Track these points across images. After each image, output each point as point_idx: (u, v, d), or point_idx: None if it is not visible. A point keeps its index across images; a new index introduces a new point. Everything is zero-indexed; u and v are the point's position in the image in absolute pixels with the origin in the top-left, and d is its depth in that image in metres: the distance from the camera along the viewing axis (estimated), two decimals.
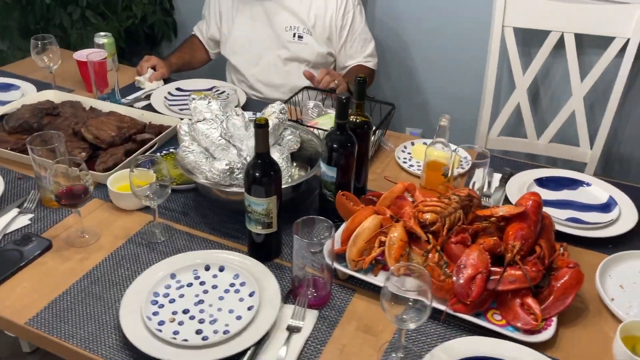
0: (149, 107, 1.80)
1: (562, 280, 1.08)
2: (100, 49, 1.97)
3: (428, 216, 1.16)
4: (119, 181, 1.35)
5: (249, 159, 1.27)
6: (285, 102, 1.63)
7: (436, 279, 1.08)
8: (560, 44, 2.01)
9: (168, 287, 1.10)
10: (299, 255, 1.07)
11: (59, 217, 1.31)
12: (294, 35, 1.96)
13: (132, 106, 1.77)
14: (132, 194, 1.31)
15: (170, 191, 1.22)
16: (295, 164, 1.40)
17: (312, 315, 1.07)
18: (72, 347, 0.99)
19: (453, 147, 1.37)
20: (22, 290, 1.10)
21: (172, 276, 1.12)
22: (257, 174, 1.11)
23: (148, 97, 1.87)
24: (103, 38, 1.99)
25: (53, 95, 1.76)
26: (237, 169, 1.24)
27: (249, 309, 1.06)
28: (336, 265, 1.13)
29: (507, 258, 1.09)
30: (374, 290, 1.12)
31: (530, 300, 1.06)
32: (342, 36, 1.97)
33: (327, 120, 1.61)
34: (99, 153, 1.49)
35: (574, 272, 1.09)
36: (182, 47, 2.16)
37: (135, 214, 1.33)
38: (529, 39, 2.09)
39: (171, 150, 1.56)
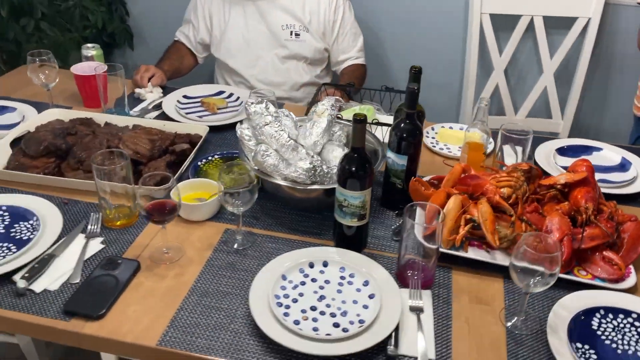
0: (161, 117, 1.75)
1: (630, 232, 1.23)
2: (88, 61, 1.88)
3: (505, 190, 1.26)
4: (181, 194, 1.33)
5: (315, 156, 1.31)
6: (311, 103, 1.66)
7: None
8: (530, 27, 2.21)
9: (284, 288, 1.12)
10: (409, 239, 1.13)
11: (131, 237, 1.26)
12: (291, 33, 1.98)
13: (142, 117, 1.73)
14: (204, 204, 1.30)
15: (256, 196, 1.22)
16: None
17: (427, 295, 1.13)
18: (214, 359, 0.99)
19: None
20: (135, 314, 1.06)
21: (284, 277, 1.13)
22: (353, 168, 1.15)
23: (156, 107, 1.82)
24: (91, 50, 1.90)
25: (58, 114, 1.66)
26: (319, 166, 1.26)
27: (371, 297, 1.10)
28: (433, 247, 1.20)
29: (583, 219, 1.22)
30: (469, 265, 1.21)
31: (609, 253, 1.20)
32: (334, 30, 2.02)
33: (350, 114, 1.67)
34: (140, 168, 1.44)
35: (638, 224, 1.24)
36: (169, 54, 2.10)
37: (206, 225, 1.31)
38: (503, 24, 2.27)
39: (213, 157, 1.54)
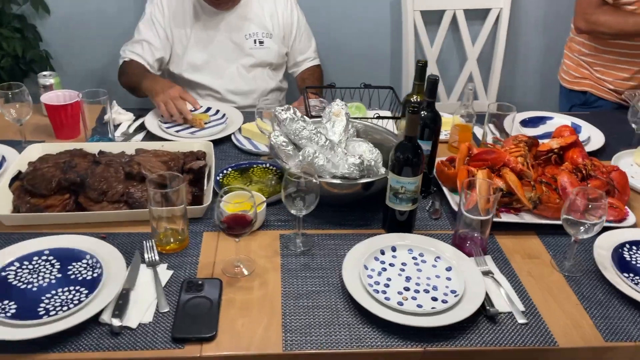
0: (147, 138, 1.70)
1: (617, 180, 1.47)
2: (47, 90, 1.76)
3: (520, 159, 1.44)
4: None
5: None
6: (306, 107, 1.72)
7: (553, 203, 1.37)
8: (454, 20, 2.45)
9: (370, 277, 1.18)
10: (464, 214, 1.25)
11: (192, 259, 1.24)
12: (255, 42, 2.01)
13: (129, 141, 1.67)
14: (260, 213, 1.32)
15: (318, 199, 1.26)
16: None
17: (489, 260, 1.27)
18: (342, 351, 1.03)
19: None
20: (244, 327, 1.06)
21: (365, 267, 1.20)
22: (409, 156, 1.25)
23: (137, 129, 1.75)
24: (50, 78, 1.77)
25: (43, 149, 1.53)
26: (367, 160, 1.34)
27: (448, 269, 1.21)
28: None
29: (584, 173, 1.44)
30: (503, 229, 1.36)
31: (610, 199, 1.43)
32: (292, 33, 2.08)
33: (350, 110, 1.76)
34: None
35: (620, 172, 1.49)
36: (127, 74, 2.00)
37: (258, 234, 1.32)
38: (430, 19, 2.48)
39: (228, 170, 1.54)
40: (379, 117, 1.62)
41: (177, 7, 1.96)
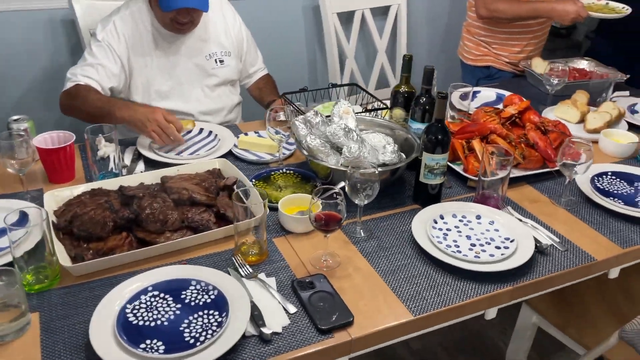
0: (149, 166, 1.69)
1: (564, 130, 1.84)
2: (20, 136, 1.64)
3: (499, 126, 1.74)
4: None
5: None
6: (293, 113, 1.84)
7: (534, 157, 1.69)
8: (363, 18, 2.72)
9: (440, 243, 1.38)
10: (486, 178, 1.51)
11: (279, 264, 1.32)
12: (216, 62, 2.04)
13: (133, 173, 1.64)
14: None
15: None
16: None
17: (511, 209, 1.54)
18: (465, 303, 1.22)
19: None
20: (368, 306, 1.20)
21: (432, 236, 1.39)
22: (439, 136, 1.46)
23: (134, 159, 1.72)
24: (23, 122, 1.65)
25: (54, 200, 1.44)
26: (393, 144, 1.53)
27: (491, 223, 1.46)
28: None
29: (543, 129, 1.79)
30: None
31: None
32: (244, 48, 2.14)
33: (328, 109, 1.91)
34: (213, 210, 1.44)
35: (562, 124, 1.86)
36: (82, 98, 1.87)
37: (312, 232, 1.43)
38: (344, 19, 2.70)
39: (252, 180, 1.60)
40: (373, 110, 1.80)
41: (135, 36, 1.92)
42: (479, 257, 1.33)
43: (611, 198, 1.58)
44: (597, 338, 1.59)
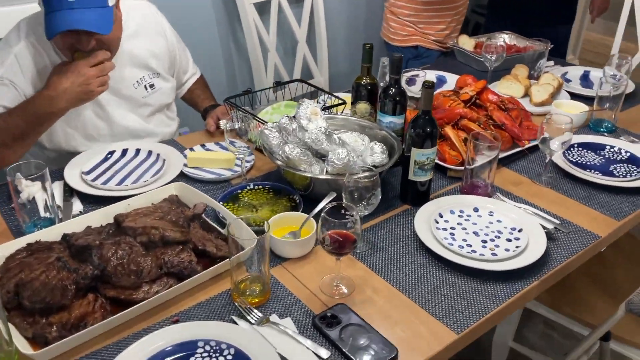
0: (87, 203, 1.40)
1: (519, 106, 1.82)
2: None
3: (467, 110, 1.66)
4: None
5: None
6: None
7: (504, 137, 1.64)
8: (280, 7, 2.53)
9: (451, 244, 1.27)
10: (474, 166, 1.42)
11: (290, 298, 1.13)
12: (146, 88, 1.71)
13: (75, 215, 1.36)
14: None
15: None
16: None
17: (501, 196, 1.47)
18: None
19: None
20: (405, 333, 1.06)
21: (439, 238, 1.28)
22: (428, 129, 1.34)
23: (68, 197, 1.42)
24: None
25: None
26: (379, 143, 1.39)
27: (491, 214, 1.37)
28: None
29: (504, 108, 1.74)
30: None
31: (526, 122, 1.76)
32: (175, 57, 1.83)
33: (279, 110, 1.73)
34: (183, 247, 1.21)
35: (515, 100, 1.84)
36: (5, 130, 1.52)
37: (316, 252, 1.27)
38: (261, 10, 2.48)
39: (221, 202, 1.38)
40: (331, 107, 1.64)
41: (42, 71, 1.53)
42: (496, 255, 1.24)
43: (588, 170, 1.57)
44: (594, 314, 1.59)
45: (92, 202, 1.42)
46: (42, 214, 1.32)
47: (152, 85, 1.72)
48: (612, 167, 1.60)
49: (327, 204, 1.28)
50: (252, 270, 1.12)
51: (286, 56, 2.77)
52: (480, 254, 1.24)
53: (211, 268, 1.15)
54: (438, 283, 1.18)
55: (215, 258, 1.21)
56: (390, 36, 2.57)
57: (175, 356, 0.97)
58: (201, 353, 0.98)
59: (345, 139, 1.44)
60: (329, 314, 1.08)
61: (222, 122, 1.73)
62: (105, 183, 1.48)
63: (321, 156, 1.38)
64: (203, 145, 1.68)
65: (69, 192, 1.45)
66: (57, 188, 1.46)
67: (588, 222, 1.39)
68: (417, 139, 1.35)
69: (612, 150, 1.68)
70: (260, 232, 1.13)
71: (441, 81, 2.17)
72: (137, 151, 1.63)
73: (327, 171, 1.34)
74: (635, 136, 1.79)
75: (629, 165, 1.61)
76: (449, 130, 1.59)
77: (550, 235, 1.32)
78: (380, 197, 1.23)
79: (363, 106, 1.63)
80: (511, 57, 2.23)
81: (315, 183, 1.37)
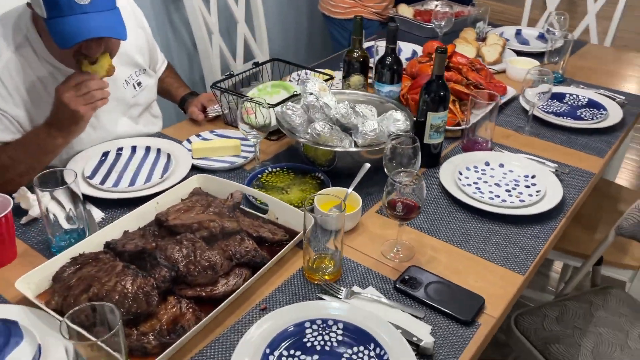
0: (103, 207, 1.31)
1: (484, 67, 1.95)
2: None
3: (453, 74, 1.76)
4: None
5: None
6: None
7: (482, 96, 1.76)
8: None
9: (482, 198, 1.36)
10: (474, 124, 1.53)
11: (359, 271, 1.16)
12: (134, 87, 1.58)
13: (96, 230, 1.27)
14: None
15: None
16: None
17: (500, 148, 1.59)
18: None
19: None
20: (479, 283, 1.13)
21: (472, 193, 1.36)
22: (442, 92, 1.42)
23: (75, 203, 1.31)
24: None
25: (29, 288, 1.04)
26: (400, 112, 1.43)
27: (501, 166, 1.49)
28: None
29: (475, 69, 1.87)
30: None
31: (493, 80, 1.90)
32: (153, 48, 1.70)
33: (265, 91, 1.71)
34: (242, 236, 1.19)
35: (479, 62, 1.97)
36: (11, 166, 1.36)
37: (357, 227, 1.30)
38: None
39: (251, 182, 1.36)
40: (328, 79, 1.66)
41: (30, 88, 1.37)
42: (524, 201, 1.35)
43: (562, 117, 1.74)
44: (577, 244, 1.78)
45: (109, 206, 1.33)
46: (66, 225, 1.22)
47: (139, 83, 1.61)
48: (579, 112, 1.79)
49: (363, 175, 1.33)
50: (319, 249, 1.13)
51: (226, 33, 2.69)
52: (510, 202, 1.34)
53: (283, 251, 1.14)
54: (485, 234, 1.27)
55: (272, 243, 1.20)
56: (330, 9, 2.60)
57: (291, 340, 0.97)
58: (311, 332, 0.98)
59: (359, 112, 1.47)
60: (406, 277, 1.13)
61: (211, 109, 1.69)
62: (115, 185, 1.38)
63: (346, 130, 1.40)
64: (199, 135, 1.62)
65: (76, 198, 1.34)
66: (63, 196, 1.34)
67: (578, 162, 1.55)
68: (431, 103, 1.42)
69: (572, 97, 1.87)
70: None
71: (399, 50, 2.25)
72: (134, 148, 1.53)
73: (356, 144, 1.37)
74: (582, 83, 2.00)
75: (592, 109, 1.80)
76: None
77: (558, 177, 1.46)
78: (420, 163, 1.29)
79: (357, 78, 1.66)
80: (460, 19, 2.37)
81: (339, 157, 1.39)
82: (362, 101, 1.55)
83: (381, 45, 1.87)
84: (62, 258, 1.11)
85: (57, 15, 1.21)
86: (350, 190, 1.30)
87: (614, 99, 1.86)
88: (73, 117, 1.29)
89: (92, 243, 1.16)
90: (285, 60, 1.83)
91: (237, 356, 0.93)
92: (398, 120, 1.39)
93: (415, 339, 0.98)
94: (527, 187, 1.41)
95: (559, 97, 1.88)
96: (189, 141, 1.59)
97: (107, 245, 1.15)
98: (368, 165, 1.34)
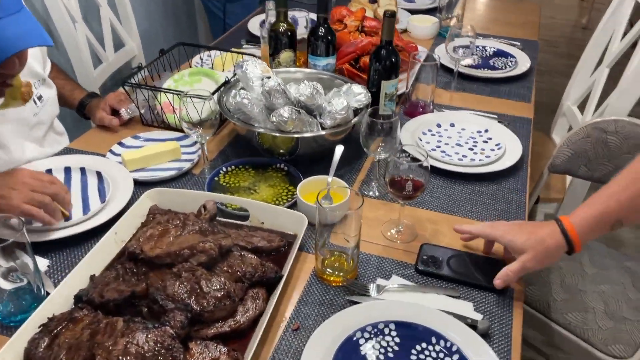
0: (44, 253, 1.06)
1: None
2: None
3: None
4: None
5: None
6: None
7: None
8: None
9: (451, 158, 1.34)
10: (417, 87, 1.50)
11: (373, 261, 1.07)
12: (35, 102, 1.27)
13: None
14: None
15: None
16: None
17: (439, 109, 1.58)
18: None
19: None
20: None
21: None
22: (392, 58, 1.36)
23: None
24: None
25: None
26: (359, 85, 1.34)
27: (452, 125, 1.48)
28: None
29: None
30: None
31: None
32: (45, 51, 1.37)
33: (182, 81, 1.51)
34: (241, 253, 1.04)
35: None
36: None
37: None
38: None
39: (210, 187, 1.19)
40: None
41: None
42: (489, 157, 1.36)
43: (479, 69, 1.79)
44: None
45: (49, 250, 1.07)
46: (6, 286, 0.95)
47: (40, 97, 1.31)
48: (491, 62, 1.85)
49: (339, 157, 1.23)
50: (334, 247, 1.02)
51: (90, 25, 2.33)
52: (479, 160, 1.34)
53: (291, 256, 1.01)
54: (469, 195, 1.26)
55: (270, 251, 1.06)
56: None
57: (348, 358, 0.86)
58: (364, 342, 0.88)
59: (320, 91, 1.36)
60: (424, 257, 1.07)
61: (124, 111, 1.46)
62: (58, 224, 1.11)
63: (309, 112, 1.27)
64: (121, 144, 1.37)
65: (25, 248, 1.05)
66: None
67: (512, 110, 1.61)
68: (383, 71, 1.35)
69: (479, 49, 1.93)
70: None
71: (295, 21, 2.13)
72: (49, 172, 1.25)
73: (330, 125, 1.25)
74: (481, 35, 2.07)
75: (501, 58, 1.88)
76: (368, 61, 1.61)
77: (507, 127, 1.49)
78: (398, 138, 1.22)
79: (288, 54, 1.53)
80: None
81: (301, 144, 1.27)
82: (302, 79, 1.43)
83: (301, 16, 1.76)
84: (29, 328, 0.87)
85: None
86: (331, 176, 1.19)
87: (513, 46, 1.96)
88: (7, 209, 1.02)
89: (57, 300, 0.92)
90: (189, 43, 1.63)
91: None
92: (359, 94, 1.30)
93: (469, 320, 0.93)
94: (485, 142, 1.42)
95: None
96: (114, 152, 1.34)
97: (79, 298, 0.93)
98: (341, 146, 1.24)
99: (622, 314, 1.42)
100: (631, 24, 1.86)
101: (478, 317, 0.95)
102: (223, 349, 0.85)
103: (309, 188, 1.18)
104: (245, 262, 0.99)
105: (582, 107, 1.98)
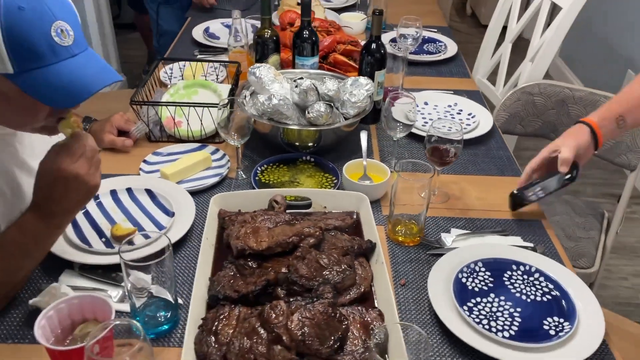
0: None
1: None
2: None
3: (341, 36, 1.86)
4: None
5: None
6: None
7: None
8: None
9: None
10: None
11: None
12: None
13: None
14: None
15: None
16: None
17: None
18: None
19: None
20: None
21: None
22: (381, 51, 1.54)
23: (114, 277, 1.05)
24: None
25: None
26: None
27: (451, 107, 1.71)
28: None
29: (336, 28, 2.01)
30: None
31: None
32: None
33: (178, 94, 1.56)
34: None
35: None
36: None
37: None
38: None
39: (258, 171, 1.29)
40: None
41: None
42: (470, 125, 1.61)
43: (419, 55, 2.05)
44: None
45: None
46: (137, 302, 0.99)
47: None
48: (425, 48, 2.12)
49: (366, 142, 1.40)
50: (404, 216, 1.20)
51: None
52: (467, 125, 1.59)
53: (372, 227, 1.16)
54: (468, 157, 1.50)
55: (344, 229, 1.19)
56: None
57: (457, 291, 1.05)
58: (466, 278, 1.08)
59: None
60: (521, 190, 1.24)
61: (134, 130, 1.48)
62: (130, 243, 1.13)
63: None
64: (146, 162, 1.40)
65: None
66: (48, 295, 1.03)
67: (461, 85, 1.89)
68: (374, 63, 1.54)
69: (410, 37, 2.19)
70: None
71: (227, 27, 2.21)
72: (97, 197, 1.25)
73: (352, 115, 1.41)
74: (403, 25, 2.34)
75: (431, 44, 2.16)
76: (339, 57, 1.79)
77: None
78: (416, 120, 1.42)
79: (275, 58, 1.64)
80: None
81: (324, 135, 1.42)
82: (306, 77, 1.56)
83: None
84: (191, 329, 0.92)
85: (35, 66, 0.88)
86: (365, 159, 1.36)
87: (433, 32, 2.26)
88: (89, 192, 1.00)
89: (196, 302, 0.98)
90: (171, 58, 1.67)
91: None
92: (367, 84, 1.47)
93: (529, 248, 1.17)
94: (458, 113, 1.68)
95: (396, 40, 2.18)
96: (145, 172, 1.37)
97: (215, 298, 1.00)
98: (365, 132, 1.41)
99: (577, 235, 1.77)
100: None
101: (529, 245, 1.19)
102: (367, 309, 0.99)
103: (348, 172, 1.34)
104: (340, 239, 1.12)
105: (491, 79, 2.34)
